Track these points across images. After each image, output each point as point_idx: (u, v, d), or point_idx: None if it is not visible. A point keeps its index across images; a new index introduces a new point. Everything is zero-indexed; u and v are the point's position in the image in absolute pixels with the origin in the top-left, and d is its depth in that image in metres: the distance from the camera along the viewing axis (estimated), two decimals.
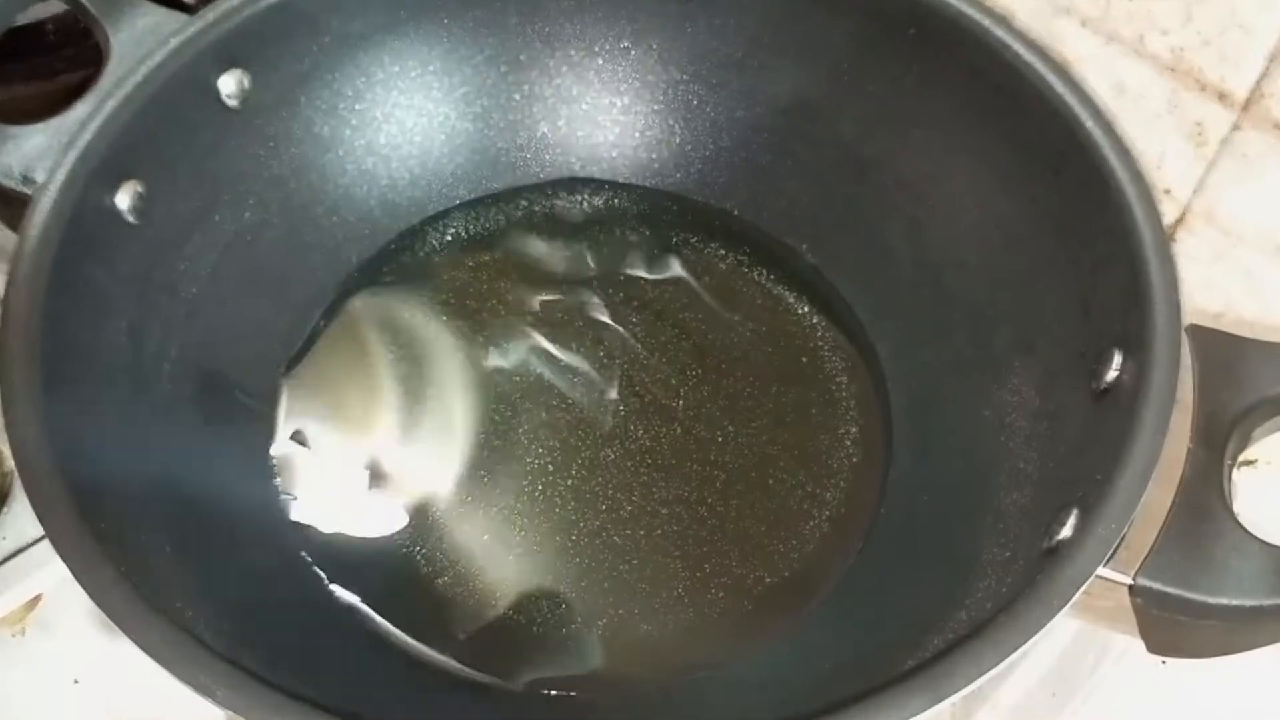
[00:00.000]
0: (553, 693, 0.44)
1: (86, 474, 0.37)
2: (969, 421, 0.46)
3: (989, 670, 0.32)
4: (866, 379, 0.51)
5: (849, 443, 0.50)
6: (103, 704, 0.47)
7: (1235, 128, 0.59)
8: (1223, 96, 0.59)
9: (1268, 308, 0.57)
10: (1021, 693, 0.49)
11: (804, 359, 0.52)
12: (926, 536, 0.45)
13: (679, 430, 0.50)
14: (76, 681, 0.47)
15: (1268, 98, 0.58)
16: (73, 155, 0.41)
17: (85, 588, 0.32)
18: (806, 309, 0.53)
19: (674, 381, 0.51)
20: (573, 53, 0.54)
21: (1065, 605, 0.33)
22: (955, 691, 0.31)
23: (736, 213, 0.55)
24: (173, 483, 0.42)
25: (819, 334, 0.52)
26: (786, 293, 0.53)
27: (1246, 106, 0.58)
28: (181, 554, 0.39)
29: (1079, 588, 0.33)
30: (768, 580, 0.46)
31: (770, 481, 0.49)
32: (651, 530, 0.47)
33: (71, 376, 0.39)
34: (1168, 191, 0.59)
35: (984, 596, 0.39)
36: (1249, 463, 0.51)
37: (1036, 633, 0.32)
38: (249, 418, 0.49)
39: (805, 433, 0.50)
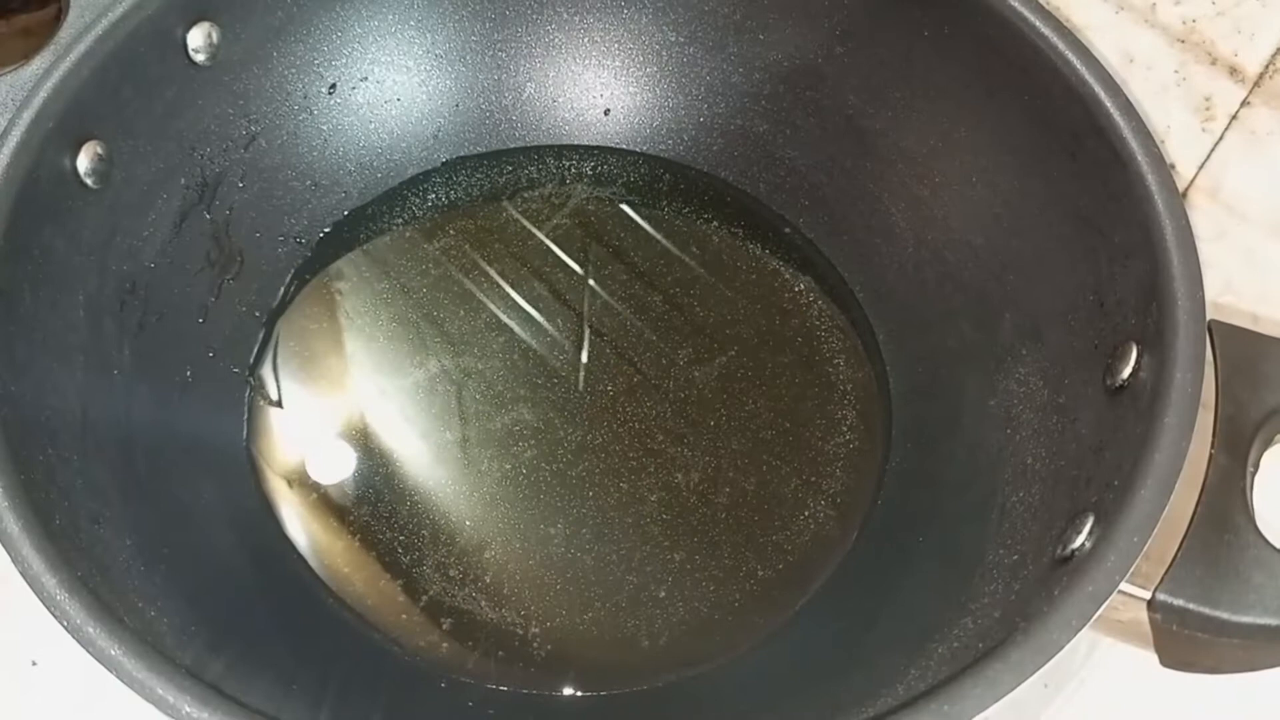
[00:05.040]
0: (534, 692, 0.43)
1: (41, 465, 0.35)
2: (973, 411, 0.45)
3: (1006, 693, 0.30)
4: (865, 362, 0.50)
5: (846, 428, 0.48)
6: (62, 687, 0.45)
7: (1245, 103, 0.57)
8: (1234, 71, 0.57)
9: (1269, 287, 0.56)
10: None
11: (800, 339, 0.50)
12: (927, 532, 0.44)
13: (669, 411, 0.48)
14: (34, 664, 0.46)
15: None
16: (28, 115, 0.39)
17: (39, 596, 0.31)
18: (803, 286, 0.51)
19: (664, 361, 0.49)
20: (562, 9, 0.52)
21: (1085, 624, 0.31)
22: (970, 716, 0.30)
23: (731, 182, 0.54)
24: (135, 472, 0.40)
25: (815, 313, 0.51)
26: (782, 268, 0.52)
27: (1259, 82, 0.57)
28: (144, 550, 0.38)
29: (1100, 605, 0.32)
30: (760, 573, 0.45)
31: (763, 467, 0.47)
32: (640, 519, 0.46)
33: (26, 358, 0.37)
34: (1172, 166, 0.58)
35: (990, 603, 0.37)
36: None
37: (1055, 654, 0.31)
38: (217, 398, 0.47)
39: (801, 416, 0.48)
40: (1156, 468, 0.34)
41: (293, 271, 0.51)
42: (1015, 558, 0.38)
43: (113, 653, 0.30)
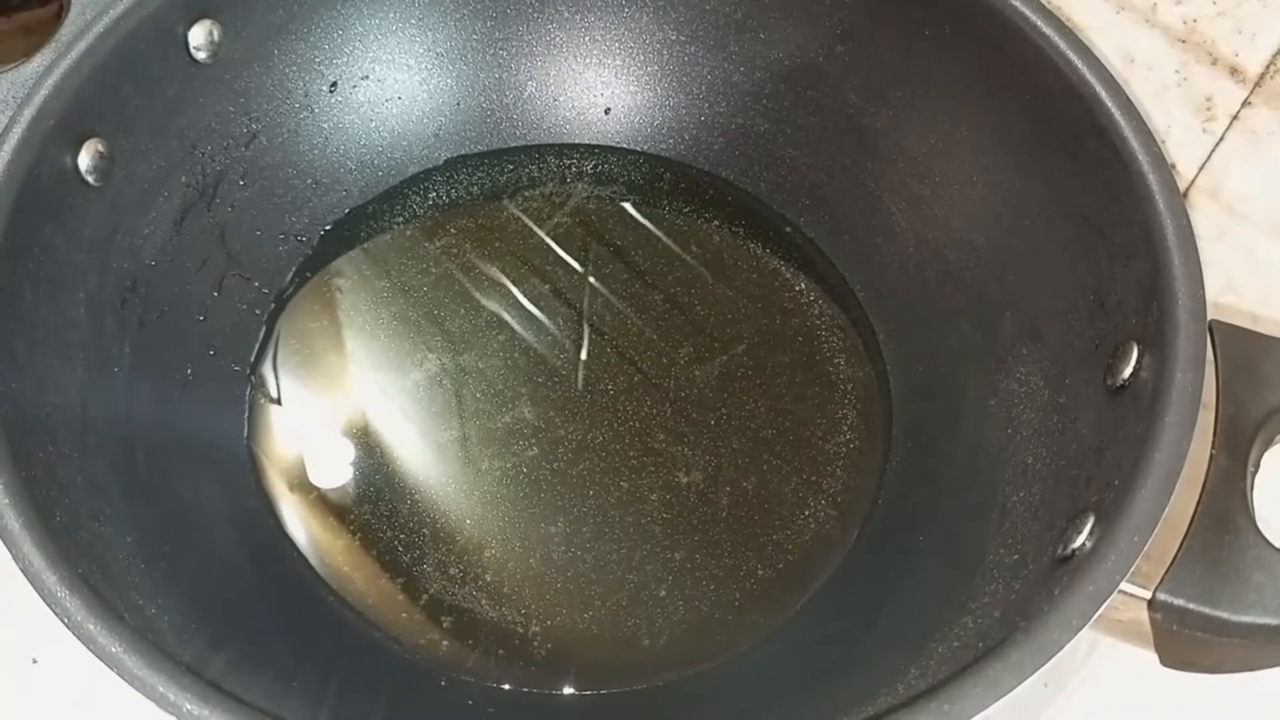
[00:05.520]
0: (534, 691, 0.42)
1: (41, 462, 0.35)
2: (973, 411, 0.45)
3: (1006, 693, 0.30)
4: (865, 361, 0.49)
5: (846, 428, 0.48)
6: (62, 684, 0.45)
7: (1246, 104, 0.57)
8: (1235, 71, 0.57)
9: (1270, 287, 0.55)
10: None
11: (800, 338, 0.50)
12: (927, 531, 0.44)
13: (670, 410, 0.48)
14: (35, 661, 0.46)
15: None
16: (29, 112, 0.39)
17: (40, 593, 0.30)
18: (803, 285, 0.51)
19: (665, 360, 0.49)
20: (563, 8, 0.52)
21: (1086, 624, 0.31)
22: (970, 716, 0.30)
23: (732, 181, 0.53)
24: (135, 469, 0.40)
25: (816, 312, 0.50)
26: (783, 267, 0.52)
27: (1260, 82, 0.57)
28: (145, 547, 0.37)
29: (1100, 605, 0.32)
30: (760, 572, 0.45)
31: (764, 467, 0.47)
32: (640, 518, 0.46)
33: (26, 355, 0.37)
34: (1172, 166, 0.58)
35: (991, 602, 0.37)
36: None
37: (1055, 653, 0.31)
38: (218, 395, 0.46)
39: (801, 416, 0.48)
40: (1157, 467, 0.34)
41: (294, 269, 0.50)
42: (1016, 557, 0.38)
43: (113, 650, 0.30)
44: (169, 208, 0.45)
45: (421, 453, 0.47)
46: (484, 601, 0.44)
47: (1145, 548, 0.33)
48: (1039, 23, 0.42)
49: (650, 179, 0.54)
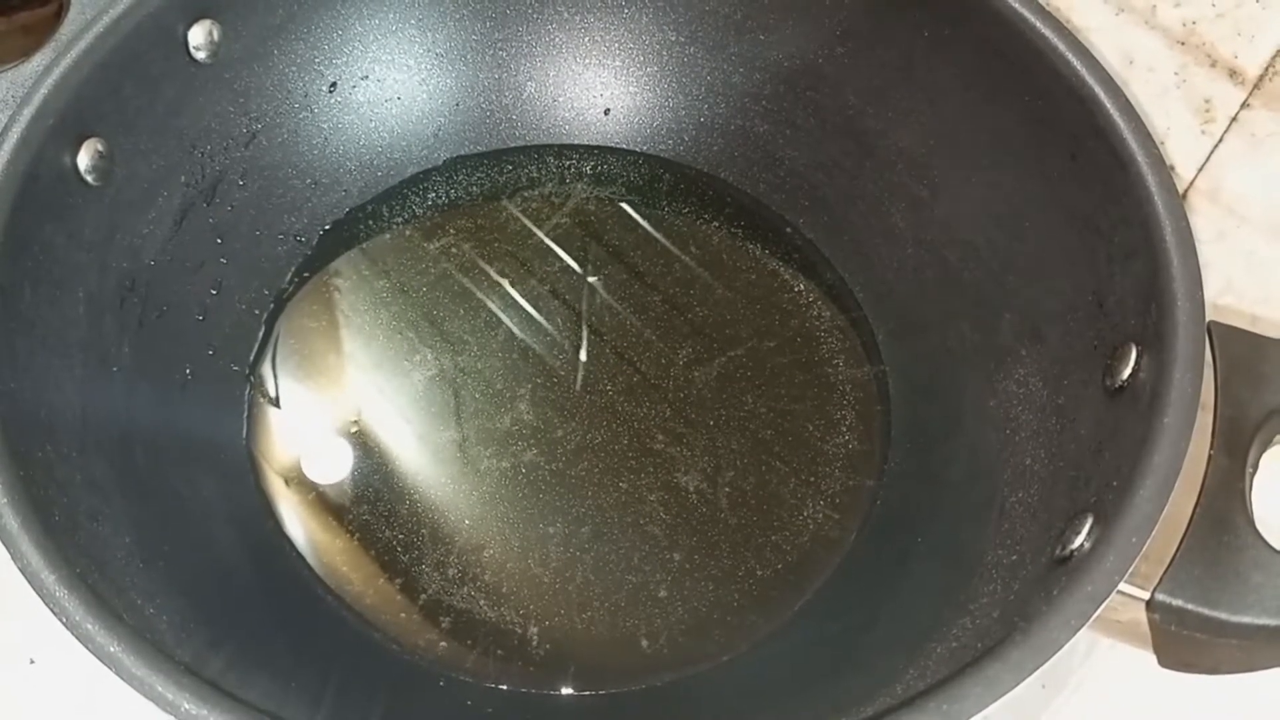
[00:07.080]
0: (532, 691, 0.42)
1: (40, 462, 0.35)
2: (972, 412, 0.45)
3: (1004, 693, 0.30)
4: (865, 362, 0.49)
5: (845, 429, 0.48)
6: (61, 684, 0.45)
7: (1245, 106, 0.57)
8: (1234, 73, 0.57)
9: (1269, 289, 0.55)
10: None
11: (799, 339, 0.50)
12: (926, 532, 0.44)
13: (669, 411, 0.48)
14: (33, 662, 0.45)
15: None
16: (28, 111, 0.38)
17: (38, 593, 0.30)
18: (803, 286, 0.51)
19: (664, 361, 0.49)
20: (562, 9, 0.52)
21: (1084, 625, 0.31)
22: (969, 716, 0.30)
23: (732, 182, 0.53)
24: (134, 469, 0.40)
25: (815, 313, 0.50)
26: (782, 268, 0.52)
27: (1258, 84, 0.57)
28: (143, 547, 0.37)
29: (1099, 605, 0.32)
30: (759, 573, 0.45)
31: (762, 468, 0.47)
32: (639, 518, 0.46)
33: (25, 354, 0.36)
34: (1171, 168, 0.58)
35: (989, 603, 0.37)
36: None
37: (1054, 654, 0.31)
38: (217, 395, 0.46)
39: (800, 417, 0.48)
40: (1156, 468, 0.34)
41: (293, 270, 0.50)
42: (1014, 558, 0.38)
43: (111, 650, 0.30)
44: (168, 207, 0.45)
45: (420, 453, 0.47)
46: (482, 602, 0.44)
47: (1144, 548, 0.33)
48: (1039, 24, 0.42)
49: (649, 180, 0.53)
